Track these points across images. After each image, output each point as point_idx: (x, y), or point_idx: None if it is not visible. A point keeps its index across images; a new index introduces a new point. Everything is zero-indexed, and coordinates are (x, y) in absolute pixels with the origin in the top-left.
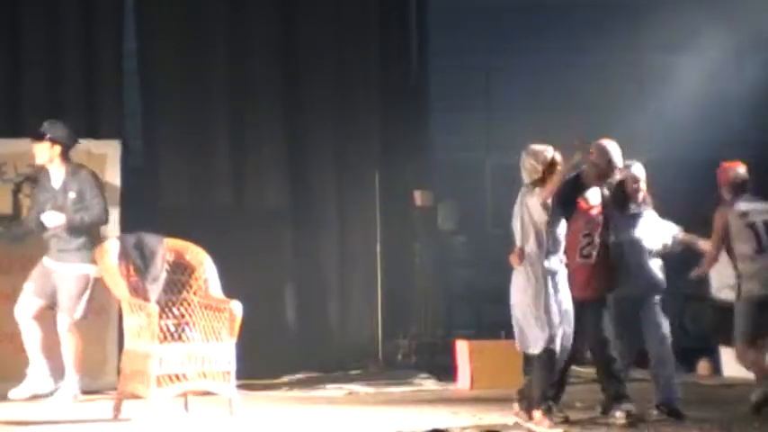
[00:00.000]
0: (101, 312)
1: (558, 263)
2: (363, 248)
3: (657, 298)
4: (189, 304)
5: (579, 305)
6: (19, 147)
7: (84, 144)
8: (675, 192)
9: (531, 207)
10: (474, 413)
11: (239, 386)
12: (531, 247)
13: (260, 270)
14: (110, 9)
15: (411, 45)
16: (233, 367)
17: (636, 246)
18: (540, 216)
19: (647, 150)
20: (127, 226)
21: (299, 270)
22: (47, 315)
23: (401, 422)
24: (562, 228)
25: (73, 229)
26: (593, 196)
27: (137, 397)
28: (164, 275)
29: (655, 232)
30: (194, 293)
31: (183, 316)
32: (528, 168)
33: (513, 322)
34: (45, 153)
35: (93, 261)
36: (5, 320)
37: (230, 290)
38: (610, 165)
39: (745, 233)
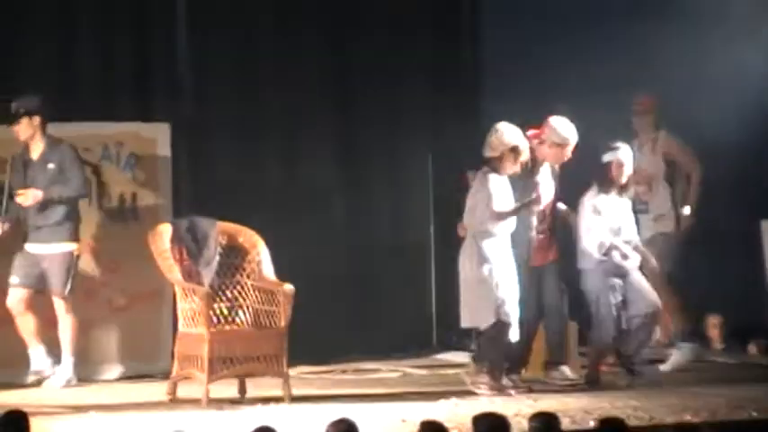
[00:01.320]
0: (154, 297)
1: (497, 242)
2: (416, 230)
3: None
4: (242, 287)
5: (538, 273)
6: (72, 131)
7: (134, 127)
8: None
9: (473, 190)
10: (529, 396)
11: (293, 369)
12: (474, 222)
13: (312, 253)
14: None
15: (464, 26)
16: (286, 350)
17: (614, 231)
18: (473, 201)
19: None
20: (178, 209)
21: (352, 253)
22: (37, 300)
23: (455, 405)
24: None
25: (51, 204)
26: (545, 174)
27: (192, 381)
28: (217, 259)
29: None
30: (247, 277)
31: (236, 299)
32: (490, 143)
33: (461, 298)
34: (27, 129)
35: (74, 236)
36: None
37: (283, 273)
38: (564, 140)
39: None
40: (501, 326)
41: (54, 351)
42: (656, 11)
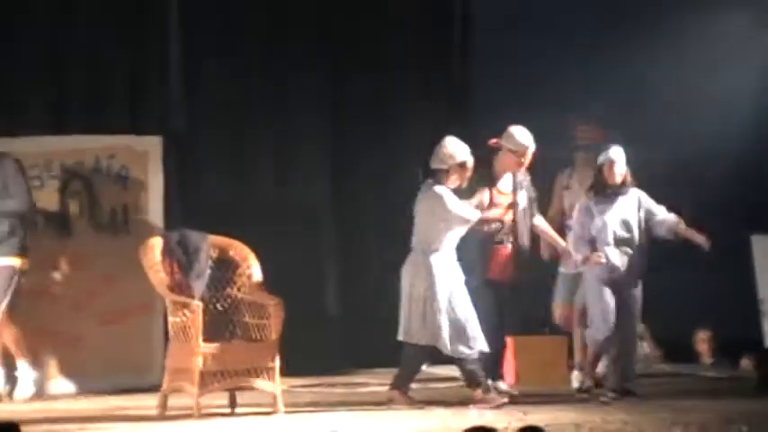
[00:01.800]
0: (145, 310)
1: (444, 259)
2: (406, 245)
3: (638, 282)
4: (233, 301)
5: (497, 287)
6: (64, 144)
7: (126, 140)
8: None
9: (422, 204)
10: (519, 409)
11: (283, 383)
12: (419, 237)
13: (303, 266)
14: (154, 5)
15: (455, 41)
16: (277, 364)
17: (606, 231)
18: (424, 216)
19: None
20: (170, 222)
21: (343, 267)
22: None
23: (446, 418)
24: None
25: None
26: (505, 184)
27: (182, 394)
28: (208, 272)
29: (631, 217)
30: (238, 290)
31: (227, 312)
32: (439, 156)
33: (401, 311)
34: None
35: (19, 251)
36: (53, 318)
37: (274, 286)
38: (520, 147)
39: None
40: (429, 349)
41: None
42: (650, 26)
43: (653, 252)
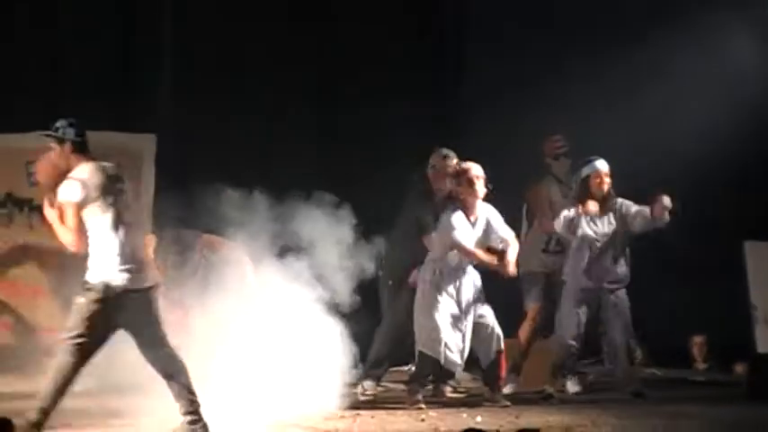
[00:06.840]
0: None
1: (452, 272)
2: None
3: (621, 289)
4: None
5: None
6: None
7: (120, 138)
8: None
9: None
10: (510, 413)
11: None
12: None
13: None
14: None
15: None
16: None
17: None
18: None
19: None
20: (162, 221)
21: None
22: None
23: (437, 419)
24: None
25: None
26: None
27: None
28: (200, 270)
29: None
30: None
31: None
32: None
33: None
34: None
35: None
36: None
37: None
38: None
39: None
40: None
41: None
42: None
43: (649, 258)
